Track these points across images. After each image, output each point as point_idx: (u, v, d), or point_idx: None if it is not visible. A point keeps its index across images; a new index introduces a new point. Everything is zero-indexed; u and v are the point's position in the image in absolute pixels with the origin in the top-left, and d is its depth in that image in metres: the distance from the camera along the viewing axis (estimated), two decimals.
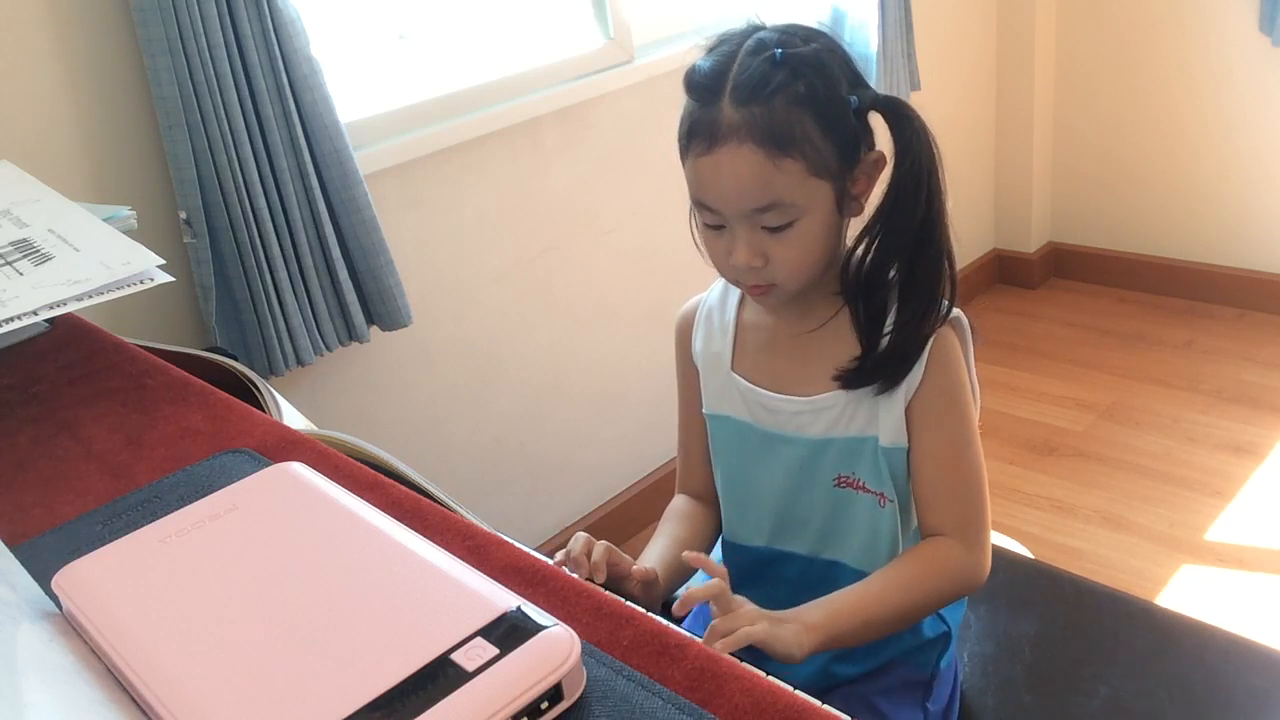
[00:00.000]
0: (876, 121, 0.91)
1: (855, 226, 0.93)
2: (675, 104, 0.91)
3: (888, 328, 0.91)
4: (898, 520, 0.96)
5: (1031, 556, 1.26)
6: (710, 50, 0.91)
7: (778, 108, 0.85)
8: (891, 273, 0.92)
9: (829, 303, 0.95)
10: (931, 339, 0.91)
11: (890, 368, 0.91)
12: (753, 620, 0.79)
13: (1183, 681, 1.02)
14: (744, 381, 1.00)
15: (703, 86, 0.88)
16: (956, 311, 0.93)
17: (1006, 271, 3.11)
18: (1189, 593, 1.88)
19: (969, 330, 0.95)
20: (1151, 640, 1.08)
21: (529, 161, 1.89)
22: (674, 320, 1.08)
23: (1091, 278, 3.03)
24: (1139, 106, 2.80)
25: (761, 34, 0.89)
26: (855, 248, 0.92)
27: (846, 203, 0.91)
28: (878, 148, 0.92)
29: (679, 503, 1.10)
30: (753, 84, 0.85)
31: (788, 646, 0.79)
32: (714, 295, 1.05)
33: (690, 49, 0.93)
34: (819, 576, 1.00)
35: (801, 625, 0.82)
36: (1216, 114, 2.68)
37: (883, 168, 0.92)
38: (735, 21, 0.93)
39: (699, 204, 0.91)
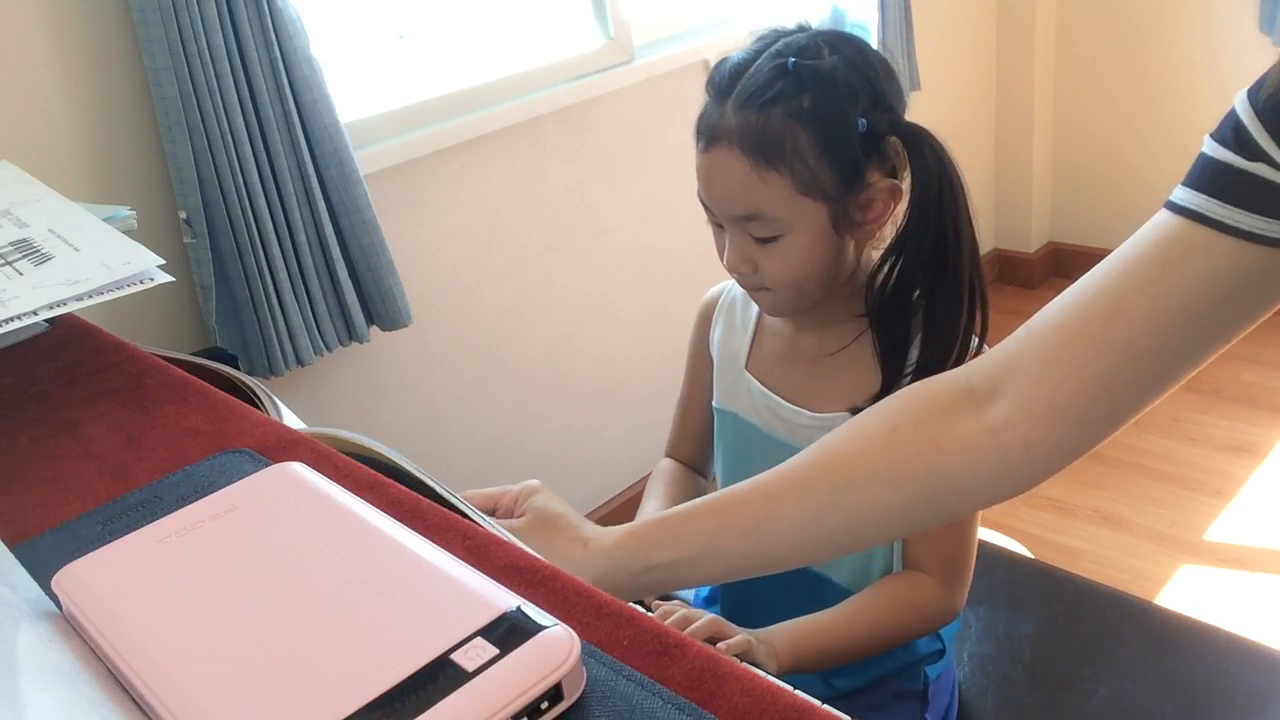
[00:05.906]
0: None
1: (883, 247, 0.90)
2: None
3: (909, 366, 0.88)
4: (893, 544, 0.95)
5: (1031, 556, 1.26)
6: (751, 44, 0.88)
7: (774, 118, 0.83)
8: (916, 297, 0.89)
9: (850, 324, 0.92)
10: None
11: None
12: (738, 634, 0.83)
13: (1183, 681, 1.02)
14: (757, 384, 0.99)
15: (718, 84, 0.87)
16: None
17: (1006, 271, 3.11)
18: (1189, 593, 1.88)
19: None
20: (1151, 640, 1.08)
21: (529, 161, 1.89)
22: (698, 303, 1.08)
23: None
24: (1139, 106, 2.80)
25: (791, 38, 0.86)
26: (880, 269, 0.89)
27: (847, 226, 0.88)
28: (900, 176, 0.88)
29: (667, 466, 1.10)
30: (756, 89, 0.83)
31: (763, 663, 0.82)
32: (739, 289, 1.03)
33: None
34: (807, 589, 0.99)
35: (772, 649, 0.85)
36: (1217, 114, 2.65)
37: (899, 198, 0.88)
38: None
39: (700, 199, 0.90)
